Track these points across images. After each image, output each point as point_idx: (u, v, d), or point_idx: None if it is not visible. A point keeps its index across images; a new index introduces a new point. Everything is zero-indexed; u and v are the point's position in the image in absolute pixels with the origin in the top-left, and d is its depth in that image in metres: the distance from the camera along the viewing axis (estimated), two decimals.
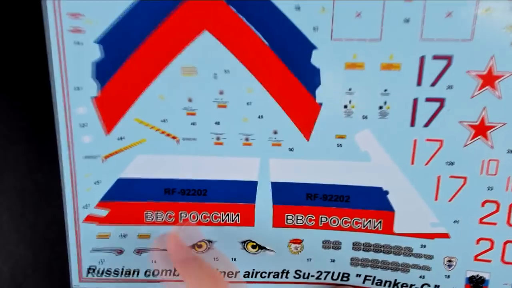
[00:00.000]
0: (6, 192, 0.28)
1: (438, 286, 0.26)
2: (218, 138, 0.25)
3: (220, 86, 0.24)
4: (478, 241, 0.25)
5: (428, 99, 0.24)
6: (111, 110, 0.25)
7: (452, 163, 0.24)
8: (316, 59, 0.24)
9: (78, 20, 0.24)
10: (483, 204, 0.25)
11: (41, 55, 0.24)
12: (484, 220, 0.25)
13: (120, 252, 0.27)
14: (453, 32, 0.22)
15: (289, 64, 0.24)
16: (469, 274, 0.26)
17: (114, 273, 0.27)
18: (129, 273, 0.27)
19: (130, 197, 0.26)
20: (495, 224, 0.25)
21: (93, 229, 0.27)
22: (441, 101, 0.23)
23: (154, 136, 0.25)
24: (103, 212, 0.26)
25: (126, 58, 0.24)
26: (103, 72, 0.24)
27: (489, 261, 0.25)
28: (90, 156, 0.26)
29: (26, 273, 0.30)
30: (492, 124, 0.23)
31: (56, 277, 0.30)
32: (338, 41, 0.23)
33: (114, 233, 0.27)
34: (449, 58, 0.23)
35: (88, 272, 0.27)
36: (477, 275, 0.25)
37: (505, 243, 0.25)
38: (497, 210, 0.24)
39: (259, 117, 0.25)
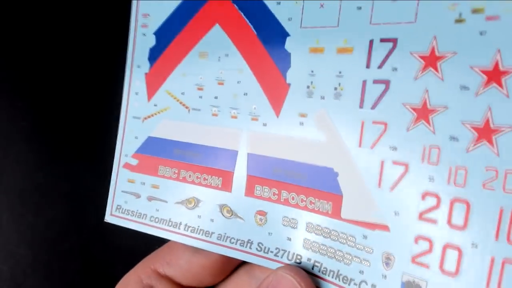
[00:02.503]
0: (6, 192, 0.31)
1: (375, 285, 0.26)
2: (215, 111, 0.33)
3: (221, 67, 0.33)
4: (416, 239, 0.24)
5: (375, 81, 0.26)
6: (153, 83, 0.36)
7: (395, 148, 0.25)
8: (288, 45, 0.30)
9: (146, 18, 0.36)
10: (423, 196, 0.24)
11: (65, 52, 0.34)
12: (423, 216, 0.24)
13: (138, 196, 0.37)
14: (399, 16, 0.25)
15: (268, 49, 0.31)
16: (405, 279, 0.25)
17: (131, 214, 0.37)
18: (140, 216, 0.36)
19: (153, 152, 0.36)
20: (435, 222, 0.24)
21: (127, 174, 0.37)
22: (387, 83, 0.26)
23: (175, 105, 0.35)
24: (134, 162, 0.37)
25: (167, 46, 0.36)
26: (153, 55, 0.36)
27: (427, 266, 0.24)
28: (136, 116, 0.37)
29: (26, 273, 0.33)
30: (434, 107, 0.24)
31: (56, 277, 0.34)
32: (305, 29, 0.29)
33: (138, 179, 0.37)
34: (394, 41, 0.25)
35: (116, 209, 0.37)
36: (414, 281, 0.24)
37: (445, 246, 0.23)
38: (437, 206, 0.24)
39: (244, 94, 0.32)
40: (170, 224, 0.35)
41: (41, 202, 0.33)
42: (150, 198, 0.36)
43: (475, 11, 0.23)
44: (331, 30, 0.28)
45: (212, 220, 0.33)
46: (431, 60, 0.24)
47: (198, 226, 0.34)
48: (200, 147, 0.34)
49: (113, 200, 0.38)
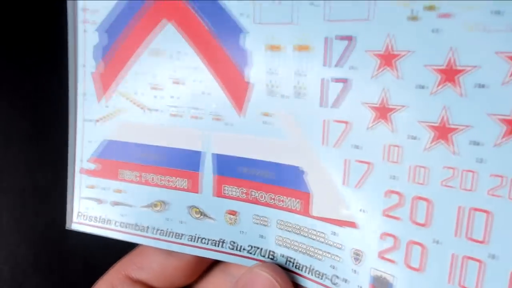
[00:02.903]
0: (6, 192, 0.31)
1: (346, 280, 0.27)
2: (173, 111, 0.33)
3: (175, 65, 0.32)
4: (382, 235, 0.26)
5: (334, 80, 0.26)
6: (102, 84, 0.35)
7: (357, 147, 0.26)
8: (244, 41, 0.29)
9: (87, 13, 0.35)
10: (386, 194, 0.25)
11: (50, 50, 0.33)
12: (387, 213, 0.25)
13: (100, 202, 0.36)
14: (353, 13, 0.25)
15: (224, 46, 0.30)
16: (373, 273, 0.26)
17: (94, 220, 0.36)
18: (104, 221, 0.36)
19: (111, 156, 0.35)
20: (399, 219, 0.25)
21: (85, 180, 0.37)
22: (345, 81, 0.26)
23: (130, 106, 0.34)
24: (91, 166, 0.36)
25: (113, 43, 0.34)
26: (99, 53, 0.35)
27: (393, 261, 0.25)
28: (87, 119, 0.36)
29: (26, 273, 0.34)
30: (393, 106, 0.25)
31: (56, 277, 0.34)
32: (260, 25, 0.28)
33: (98, 185, 0.36)
34: (350, 38, 0.25)
35: (78, 216, 0.37)
36: (381, 276, 0.26)
37: (409, 243, 0.25)
38: (400, 203, 0.25)
39: (203, 93, 0.31)
40: (137, 228, 0.35)
41: (41, 202, 0.32)
42: (114, 203, 0.36)
43: (428, 8, 0.23)
44: (286, 26, 0.27)
45: (181, 222, 0.34)
46: (387, 59, 0.24)
47: (168, 229, 0.34)
48: (161, 149, 0.34)
49: (73, 207, 0.37)
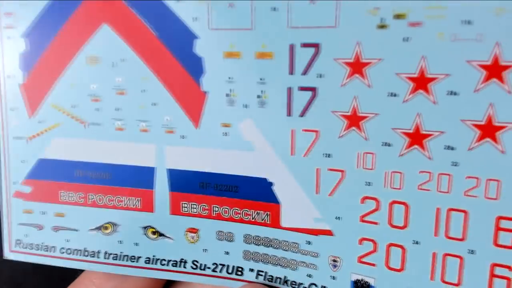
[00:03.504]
0: None
1: (325, 287, 0.27)
2: (118, 124, 0.30)
3: (118, 74, 0.29)
4: (360, 241, 0.26)
5: (301, 88, 0.26)
6: (33, 96, 0.31)
7: (329, 155, 0.26)
8: (198, 48, 0.27)
9: (10, 18, 0.30)
10: (362, 200, 0.26)
11: None
12: (365, 218, 0.26)
13: (40, 227, 0.33)
14: (318, 20, 0.25)
15: (175, 53, 0.28)
16: (354, 278, 0.27)
17: (36, 247, 0.33)
18: (47, 249, 0.33)
19: (48, 177, 0.32)
20: (376, 223, 0.26)
21: (20, 204, 0.33)
22: (313, 90, 0.26)
23: (67, 121, 0.31)
24: (27, 189, 0.32)
25: (43, 50, 0.30)
26: (27, 62, 0.31)
27: (373, 264, 0.26)
28: (17, 137, 0.32)
29: (26, 273, 0.34)
30: (365, 114, 0.25)
31: (56, 277, 0.34)
32: (216, 31, 0.27)
33: (36, 209, 0.32)
34: (316, 46, 0.25)
35: (16, 244, 0.33)
36: (362, 280, 0.26)
37: (389, 246, 0.25)
38: (377, 208, 0.25)
39: (152, 104, 0.29)
40: (86, 254, 0.32)
41: None
42: (56, 228, 0.33)
43: (398, 16, 0.23)
44: (245, 32, 0.26)
45: (136, 244, 0.31)
46: (357, 67, 0.24)
47: (121, 252, 0.32)
48: (108, 166, 0.31)
49: (9, 235, 0.33)
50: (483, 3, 0.21)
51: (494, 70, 0.21)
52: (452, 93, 0.23)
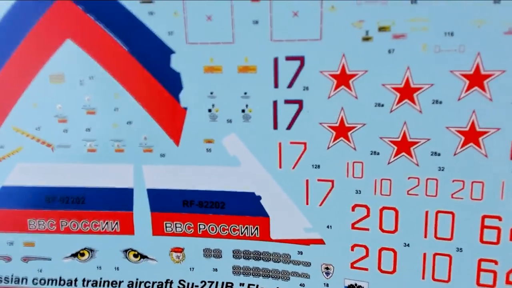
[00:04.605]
0: None
1: None
2: (90, 145, 0.29)
3: (87, 93, 0.28)
4: (352, 247, 0.27)
5: (287, 101, 0.26)
6: None
7: (318, 166, 0.27)
8: (175, 63, 0.27)
9: None
10: (353, 208, 0.27)
11: None
12: (356, 226, 0.27)
13: (8, 259, 0.31)
14: (302, 32, 0.25)
15: (150, 69, 0.27)
16: (347, 283, 0.28)
17: (5, 280, 0.31)
18: (18, 281, 0.31)
19: (14, 205, 0.30)
20: (367, 229, 0.27)
21: None
22: (300, 102, 0.26)
23: (31, 144, 0.29)
24: None
25: (0, 69, 0.28)
26: None
27: (366, 269, 0.27)
28: None
29: None
30: (352, 125, 0.26)
31: None
32: (194, 45, 0.26)
33: (2, 240, 0.31)
34: (301, 59, 0.25)
35: None
36: (356, 284, 0.27)
37: (380, 250, 0.27)
38: (368, 215, 0.27)
39: (127, 123, 0.28)
40: (62, 283, 0.31)
41: None
42: (25, 259, 0.31)
43: (382, 28, 0.24)
44: (226, 46, 0.26)
45: (117, 269, 0.31)
46: (343, 79, 0.25)
47: (101, 278, 0.31)
48: (80, 190, 0.30)
49: None
50: (465, 15, 0.22)
51: (476, 79, 0.23)
52: (437, 101, 0.24)
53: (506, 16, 0.22)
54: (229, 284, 0.30)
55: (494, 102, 0.23)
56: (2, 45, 0.28)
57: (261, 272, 0.29)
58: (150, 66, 0.27)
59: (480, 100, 0.23)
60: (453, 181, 0.25)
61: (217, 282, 0.30)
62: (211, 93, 0.27)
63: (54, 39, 0.28)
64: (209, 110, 0.27)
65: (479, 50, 0.23)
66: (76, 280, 0.31)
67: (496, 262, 0.25)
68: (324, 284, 0.28)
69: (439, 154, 0.25)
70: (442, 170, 0.25)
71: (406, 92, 0.24)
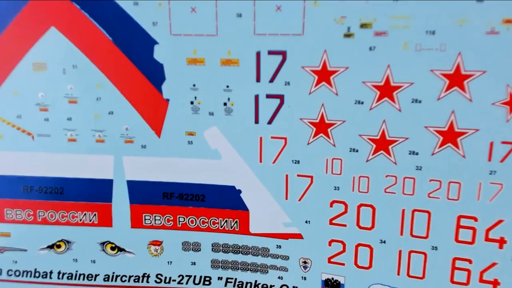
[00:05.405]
0: None
1: (296, 287, 0.29)
2: (71, 135, 0.29)
3: (69, 82, 0.28)
4: (330, 242, 0.28)
5: (269, 96, 0.26)
6: None
7: (298, 162, 0.27)
8: (158, 54, 0.27)
9: None
10: (331, 204, 0.27)
11: None
12: (334, 221, 0.27)
13: None
14: (285, 27, 0.25)
15: (133, 59, 0.28)
16: (324, 277, 0.28)
17: None
18: None
19: None
20: (345, 225, 0.27)
21: None
22: (281, 97, 0.26)
23: (11, 132, 0.29)
24: None
25: None
26: None
27: (342, 264, 0.28)
28: None
29: None
30: (332, 121, 0.26)
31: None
32: (178, 36, 0.27)
33: None
34: (283, 54, 0.26)
35: None
36: (332, 278, 0.28)
37: (357, 246, 0.27)
38: (345, 211, 0.27)
39: (109, 113, 0.28)
40: (37, 275, 0.31)
41: None
42: (1, 249, 0.31)
43: (364, 25, 0.24)
44: (210, 38, 0.26)
45: (93, 261, 0.31)
46: (324, 75, 0.26)
47: (77, 271, 0.31)
48: (59, 180, 0.30)
49: None
50: (447, 14, 0.23)
51: (456, 79, 0.24)
52: (416, 100, 0.24)
53: (488, 16, 0.23)
54: (207, 278, 0.30)
55: (474, 103, 0.24)
56: None
57: (239, 266, 0.30)
58: (134, 56, 0.28)
59: (459, 100, 0.24)
60: (430, 180, 0.25)
61: (195, 276, 0.30)
62: (194, 85, 0.27)
63: (38, 26, 0.28)
64: (191, 102, 0.28)
65: (460, 50, 0.23)
66: (51, 272, 0.31)
67: (470, 261, 0.26)
68: (302, 277, 0.29)
69: (417, 154, 0.25)
70: (420, 169, 0.25)
71: (386, 90, 0.25)
